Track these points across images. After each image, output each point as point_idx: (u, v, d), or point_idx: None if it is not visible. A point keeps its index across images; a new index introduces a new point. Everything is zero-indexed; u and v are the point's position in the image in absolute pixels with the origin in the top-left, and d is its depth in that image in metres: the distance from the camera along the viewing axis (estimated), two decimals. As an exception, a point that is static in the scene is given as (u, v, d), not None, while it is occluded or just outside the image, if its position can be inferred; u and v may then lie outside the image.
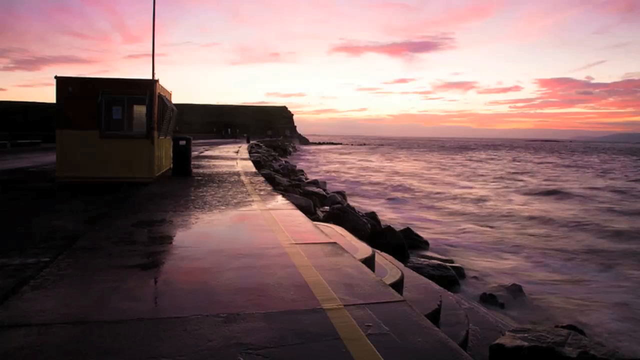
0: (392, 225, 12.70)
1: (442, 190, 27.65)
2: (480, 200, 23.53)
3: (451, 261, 10.50)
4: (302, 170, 32.91)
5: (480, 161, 65.29)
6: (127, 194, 9.81)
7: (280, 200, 9.27)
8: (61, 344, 2.83)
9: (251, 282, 4.01)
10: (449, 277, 8.77)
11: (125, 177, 11.56)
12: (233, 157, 23.55)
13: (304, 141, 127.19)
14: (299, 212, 7.77)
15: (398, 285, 4.79)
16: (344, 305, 3.42)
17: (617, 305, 8.38)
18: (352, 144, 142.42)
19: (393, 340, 2.87)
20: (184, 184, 11.61)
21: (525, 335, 3.99)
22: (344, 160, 59.71)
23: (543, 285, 9.54)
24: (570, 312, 7.94)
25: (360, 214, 13.88)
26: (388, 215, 17.84)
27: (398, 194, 25.53)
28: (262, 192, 10.22)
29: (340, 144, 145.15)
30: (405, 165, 53.84)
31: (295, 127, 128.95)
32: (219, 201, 8.79)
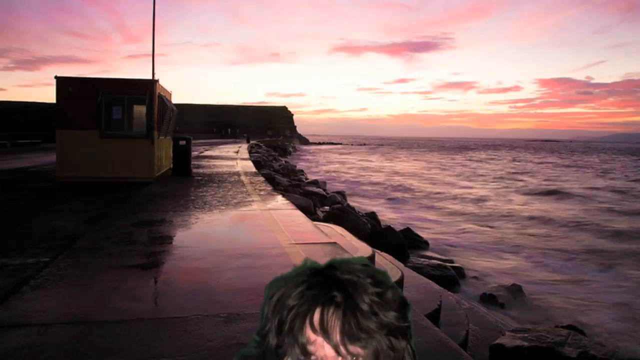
0: (392, 225, 12.69)
1: (442, 190, 27.63)
2: (480, 200, 23.51)
3: (451, 261, 10.48)
4: (302, 170, 32.89)
5: (480, 161, 65.26)
6: (127, 194, 9.81)
7: (280, 200, 9.27)
8: (61, 344, 2.83)
9: (251, 282, 4.01)
10: (449, 277, 8.75)
11: (125, 177, 11.57)
12: (233, 157, 23.55)
13: (304, 141, 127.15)
14: (299, 212, 7.77)
15: (398, 285, 4.78)
16: (344, 305, 3.41)
17: (617, 305, 8.38)
18: (352, 144, 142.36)
19: (393, 340, 2.86)
20: (184, 184, 11.61)
21: (525, 335, 3.99)
22: (344, 160, 59.68)
23: (543, 285, 9.53)
24: (570, 312, 7.93)
25: (360, 214, 13.87)
26: (388, 215, 17.83)
27: (398, 194, 25.51)
28: (262, 192, 10.22)
29: (340, 144, 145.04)
30: (405, 165, 53.82)
31: (295, 127, 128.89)
32: (219, 201, 8.79)
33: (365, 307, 0.61)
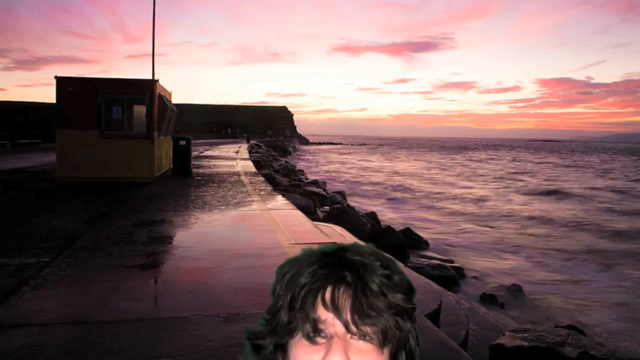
0: (392, 225, 12.68)
1: (442, 190, 27.62)
2: (480, 200, 23.50)
3: (451, 261, 10.47)
4: (302, 170, 32.88)
5: (480, 161, 65.23)
6: (127, 194, 9.81)
7: (280, 200, 9.27)
8: (61, 344, 2.83)
9: (251, 282, 4.01)
10: (449, 277, 8.75)
11: (125, 177, 11.57)
12: (233, 157, 23.56)
13: (304, 141, 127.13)
14: (299, 212, 7.77)
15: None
16: (344, 305, 3.41)
17: (617, 305, 8.37)
18: (352, 144, 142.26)
19: (393, 340, 2.86)
20: (184, 184, 11.61)
21: (525, 335, 3.99)
22: (344, 160, 59.66)
23: (543, 285, 9.53)
24: (570, 312, 7.93)
25: (360, 214, 13.87)
26: (388, 215, 17.82)
27: (398, 194, 25.50)
28: (262, 192, 10.22)
29: (340, 144, 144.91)
30: (405, 165, 53.81)
31: (295, 127, 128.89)
32: (219, 201, 8.79)
33: (375, 287, 0.63)
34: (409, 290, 0.66)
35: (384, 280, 0.64)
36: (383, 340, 0.62)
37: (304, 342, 0.62)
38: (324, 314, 0.62)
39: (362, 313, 0.61)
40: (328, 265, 0.65)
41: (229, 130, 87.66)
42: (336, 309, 0.62)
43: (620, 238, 14.51)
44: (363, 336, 0.62)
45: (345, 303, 0.62)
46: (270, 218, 7.11)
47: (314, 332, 0.62)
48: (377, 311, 0.62)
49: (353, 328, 0.61)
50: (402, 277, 0.67)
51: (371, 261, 0.65)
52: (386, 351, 0.63)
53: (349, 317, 0.61)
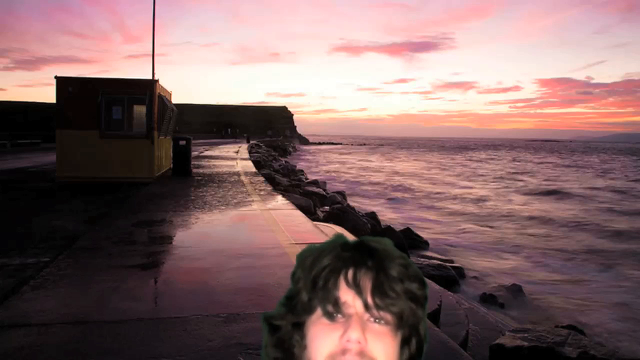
0: (392, 225, 12.68)
1: (442, 190, 27.61)
2: (480, 200, 23.49)
3: (451, 261, 10.47)
4: (302, 170, 32.85)
5: (480, 161, 65.19)
6: (127, 194, 9.81)
7: (280, 200, 9.26)
8: (61, 344, 2.83)
9: (251, 282, 4.01)
10: (449, 277, 8.74)
11: (125, 177, 11.56)
12: (233, 157, 23.56)
13: (304, 141, 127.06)
14: (299, 212, 7.77)
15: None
16: (344, 305, 3.41)
17: (617, 305, 8.37)
18: (352, 144, 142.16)
19: (393, 340, 2.86)
20: (184, 184, 11.61)
21: (525, 335, 3.99)
22: (344, 160, 59.62)
23: (543, 285, 9.52)
24: (570, 312, 7.93)
25: (360, 214, 13.86)
26: (388, 215, 17.82)
27: (398, 194, 25.49)
28: (262, 192, 10.22)
29: (340, 144, 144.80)
30: (405, 165, 53.78)
31: (295, 127, 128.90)
32: (219, 201, 8.79)
33: (394, 273, 0.66)
34: (422, 282, 0.70)
35: (402, 269, 0.67)
36: (399, 323, 0.66)
37: (323, 320, 0.65)
38: (345, 294, 0.65)
39: (382, 293, 0.65)
40: (351, 249, 0.68)
41: (229, 130, 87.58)
42: (357, 288, 0.64)
43: (620, 238, 14.51)
44: (379, 319, 0.64)
45: (367, 284, 0.65)
46: (270, 218, 7.11)
47: (335, 310, 0.64)
48: (396, 293, 0.65)
49: (373, 307, 0.64)
50: (416, 269, 0.70)
51: (391, 250, 0.69)
52: (399, 335, 0.67)
53: (369, 296, 0.64)
